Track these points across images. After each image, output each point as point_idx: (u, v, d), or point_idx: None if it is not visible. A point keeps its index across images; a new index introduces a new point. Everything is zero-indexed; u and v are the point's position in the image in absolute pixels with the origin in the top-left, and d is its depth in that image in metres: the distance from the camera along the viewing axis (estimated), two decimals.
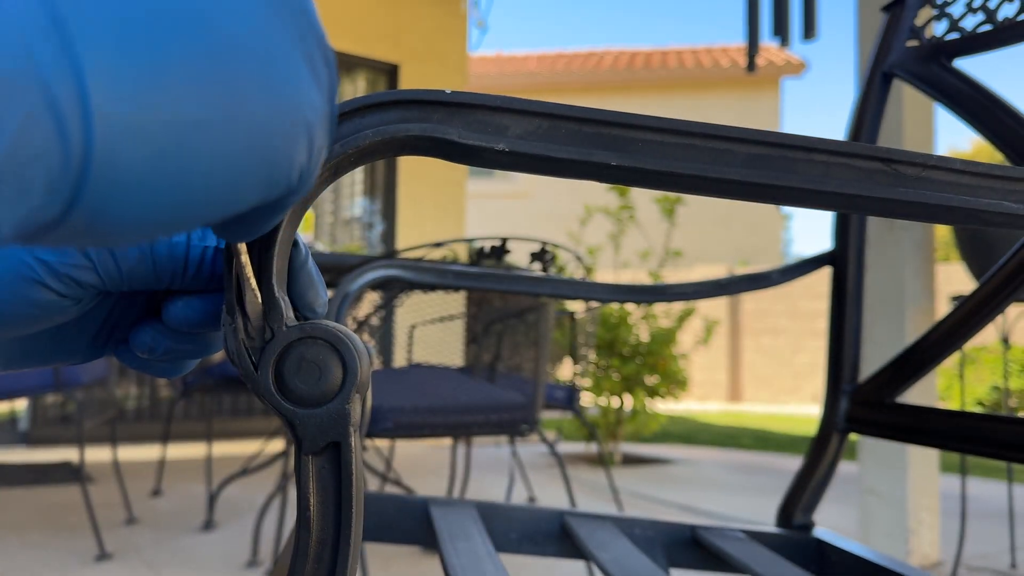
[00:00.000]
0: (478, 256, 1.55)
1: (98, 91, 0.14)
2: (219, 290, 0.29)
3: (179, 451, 3.42)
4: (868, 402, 0.72)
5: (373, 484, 2.56)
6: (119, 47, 0.14)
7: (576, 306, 2.45)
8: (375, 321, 1.81)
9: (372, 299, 1.79)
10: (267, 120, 0.17)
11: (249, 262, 0.27)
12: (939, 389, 5.71)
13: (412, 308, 1.83)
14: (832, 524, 2.35)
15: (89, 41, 0.14)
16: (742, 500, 2.88)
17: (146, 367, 0.30)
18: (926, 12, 0.75)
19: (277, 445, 3.57)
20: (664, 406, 3.86)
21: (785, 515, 0.74)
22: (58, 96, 0.14)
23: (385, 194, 4.17)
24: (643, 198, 3.60)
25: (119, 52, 0.14)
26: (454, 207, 4.27)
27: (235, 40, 0.16)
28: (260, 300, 0.28)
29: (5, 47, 0.13)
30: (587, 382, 3.53)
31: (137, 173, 0.15)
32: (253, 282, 0.27)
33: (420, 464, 3.37)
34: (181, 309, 0.28)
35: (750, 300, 8.66)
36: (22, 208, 0.14)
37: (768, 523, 0.76)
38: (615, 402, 3.61)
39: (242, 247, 0.27)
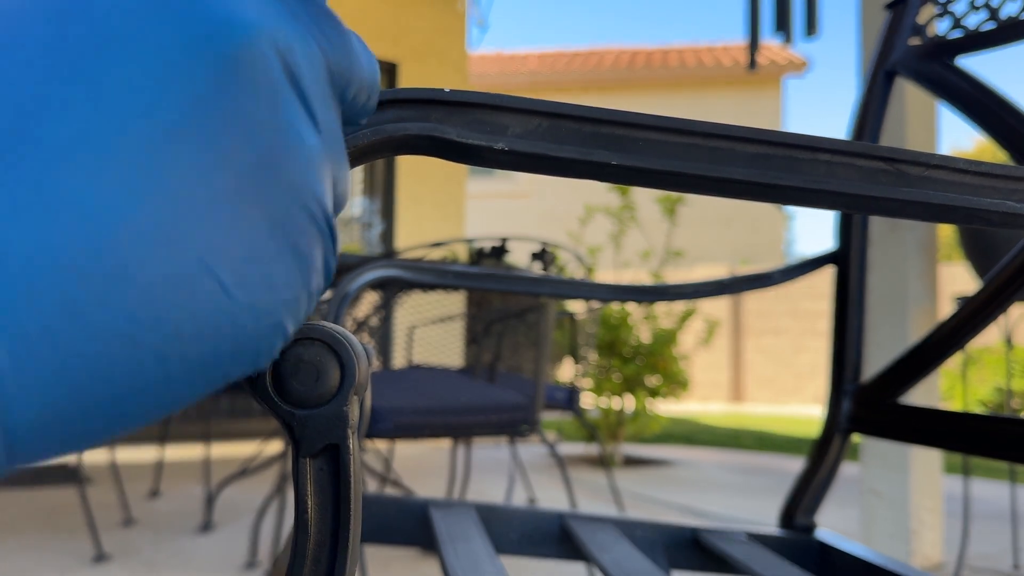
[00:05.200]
0: (478, 256, 1.54)
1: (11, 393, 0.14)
2: None
3: (177, 452, 3.41)
4: (871, 403, 0.72)
5: (372, 485, 2.56)
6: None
7: (577, 306, 2.45)
8: (374, 321, 1.81)
9: (371, 299, 1.78)
10: (222, 355, 0.16)
11: None
12: (942, 390, 5.69)
13: (412, 308, 1.82)
14: (834, 525, 2.34)
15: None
16: (744, 501, 2.88)
17: None
18: (929, 10, 0.75)
19: (275, 446, 3.57)
20: (665, 407, 3.85)
21: (787, 516, 0.74)
22: None
23: (384, 194, 4.17)
24: (644, 198, 3.60)
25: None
26: (454, 207, 4.27)
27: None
28: None
29: None
30: (588, 383, 3.53)
31: (58, 424, 0.15)
32: None
33: (420, 465, 3.37)
34: None
35: (752, 300, 8.65)
36: None
37: (770, 524, 0.75)
38: (616, 403, 3.60)
39: None
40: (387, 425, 1.31)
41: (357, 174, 4.26)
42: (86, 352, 0.14)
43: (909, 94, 2.02)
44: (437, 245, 1.53)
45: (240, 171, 0.16)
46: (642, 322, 3.65)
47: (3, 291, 0.13)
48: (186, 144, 0.15)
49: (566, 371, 3.39)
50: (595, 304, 2.25)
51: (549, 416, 4.20)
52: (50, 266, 0.14)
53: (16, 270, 0.13)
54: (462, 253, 3.21)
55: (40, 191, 0.14)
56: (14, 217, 0.13)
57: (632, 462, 3.80)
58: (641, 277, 6.24)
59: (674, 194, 3.60)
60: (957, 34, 0.70)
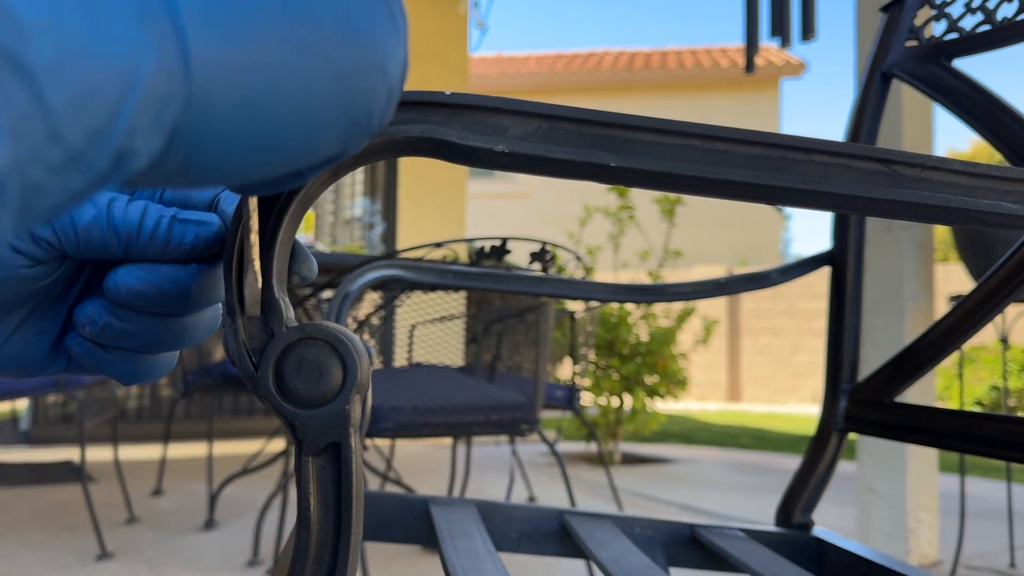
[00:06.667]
0: (478, 256, 1.55)
1: (194, 33, 0.15)
2: (169, 262, 0.27)
3: (180, 451, 3.42)
4: (867, 401, 0.72)
5: (373, 483, 2.56)
6: None
7: (576, 306, 2.45)
8: (375, 321, 1.81)
9: (372, 299, 1.79)
10: (348, 65, 0.18)
11: (258, 241, 0.27)
12: (938, 389, 5.71)
13: (412, 308, 1.83)
14: (831, 524, 2.35)
15: None
16: (741, 499, 2.88)
17: (105, 366, 0.28)
18: (925, 12, 0.75)
19: (278, 445, 3.57)
20: (663, 406, 3.86)
21: (784, 514, 0.74)
22: (178, 36, 0.14)
23: (386, 194, 4.17)
24: (643, 198, 3.61)
25: None
26: (454, 207, 4.27)
27: None
28: (260, 282, 0.27)
29: None
30: (587, 382, 3.54)
31: (227, 116, 0.16)
32: (257, 263, 0.27)
33: (420, 463, 3.37)
34: (122, 276, 0.27)
35: (749, 300, 8.66)
36: (156, 144, 0.15)
37: (767, 522, 0.76)
38: (615, 402, 3.61)
39: (254, 223, 0.26)
40: (388, 424, 1.32)
41: (358, 175, 4.27)
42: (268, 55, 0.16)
43: (905, 96, 2.02)
44: (438, 245, 1.53)
45: None
46: (640, 321, 3.66)
47: None
48: None
49: (565, 370, 3.40)
50: (594, 304, 2.26)
51: (548, 415, 4.21)
52: None
53: None
54: (462, 253, 3.22)
55: None
56: None
57: (631, 460, 3.80)
58: (640, 277, 6.24)
59: (672, 195, 3.60)
60: (953, 36, 0.71)
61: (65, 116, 0.13)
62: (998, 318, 1.85)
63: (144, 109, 0.14)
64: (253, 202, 0.26)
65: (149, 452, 3.36)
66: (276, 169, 0.18)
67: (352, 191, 4.30)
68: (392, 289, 1.63)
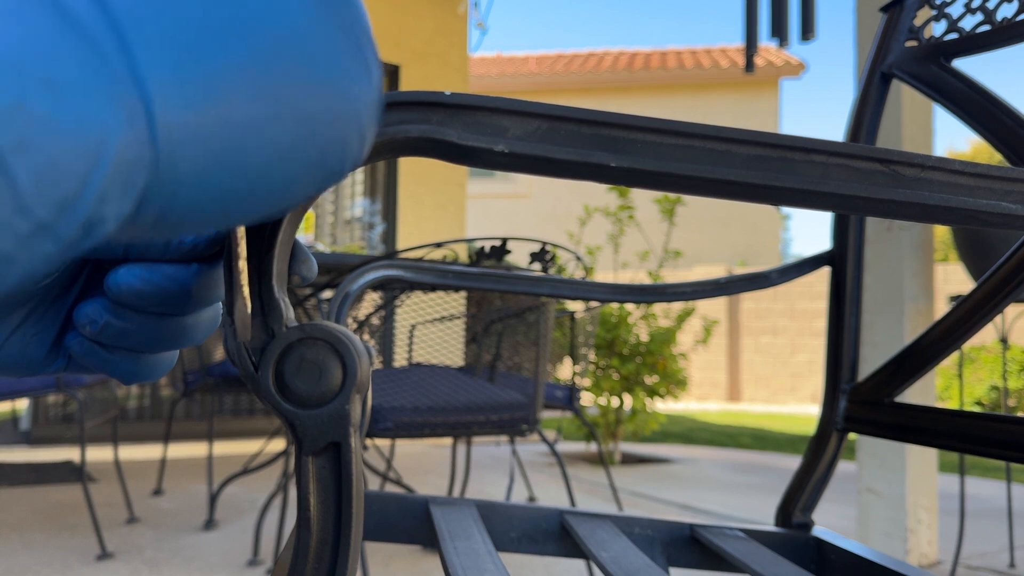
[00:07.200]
0: (478, 256, 1.55)
1: (160, 99, 0.15)
2: (170, 261, 0.27)
3: (180, 450, 3.42)
4: (867, 401, 0.72)
5: (373, 483, 2.56)
6: (173, 54, 0.15)
7: (576, 306, 2.46)
8: (375, 321, 1.81)
9: (372, 299, 1.79)
10: (319, 115, 0.18)
11: (246, 268, 0.27)
12: (938, 389, 5.72)
13: (412, 308, 1.83)
14: (831, 523, 2.35)
15: (146, 48, 0.15)
16: (741, 499, 2.88)
17: (105, 366, 0.28)
18: (925, 12, 0.75)
19: (278, 444, 3.57)
20: (663, 406, 3.86)
21: (784, 514, 0.74)
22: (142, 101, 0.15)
23: (386, 194, 4.17)
24: (643, 198, 3.61)
25: (174, 60, 0.15)
26: (454, 207, 4.27)
27: (284, 39, 0.17)
28: (249, 308, 0.27)
29: (93, 48, 0.14)
30: (587, 382, 3.54)
31: (197, 174, 0.16)
32: (246, 289, 0.27)
33: (420, 463, 3.37)
34: (123, 275, 0.27)
35: (749, 300, 8.66)
36: (126, 207, 0.15)
37: (767, 522, 0.76)
38: (615, 402, 3.61)
39: (242, 251, 0.26)
40: (388, 424, 1.32)
41: (358, 175, 4.27)
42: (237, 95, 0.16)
43: (905, 96, 2.02)
44: (438, 245, 1.53)
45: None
46: (640, 321, 3.66)
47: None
48: None
49: (565, 370, 3.40)
50: (594, 304, 2.26)
51: (548, 415, 4.20)
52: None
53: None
54: (463, 253, 3.21)
55: None
56: None
57: (630, 460, 3.80)
58: (639, 277, 6.24)
59: (672, 195, 3.61)
60: (953, 36, 0.71)
61: (32, 191, 0.13)
62: (998, 318, 1.85)
63: (113, 178, 0.14)
64: (241, 230, 0.26)
65: (149, 452, 3.36)
66: (250, 215, 0.19)
67: (352, 191, 4.30)
68: (392, 289, 1.63)
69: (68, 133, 0.14)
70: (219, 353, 2.32)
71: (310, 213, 3.95)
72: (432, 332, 1.91)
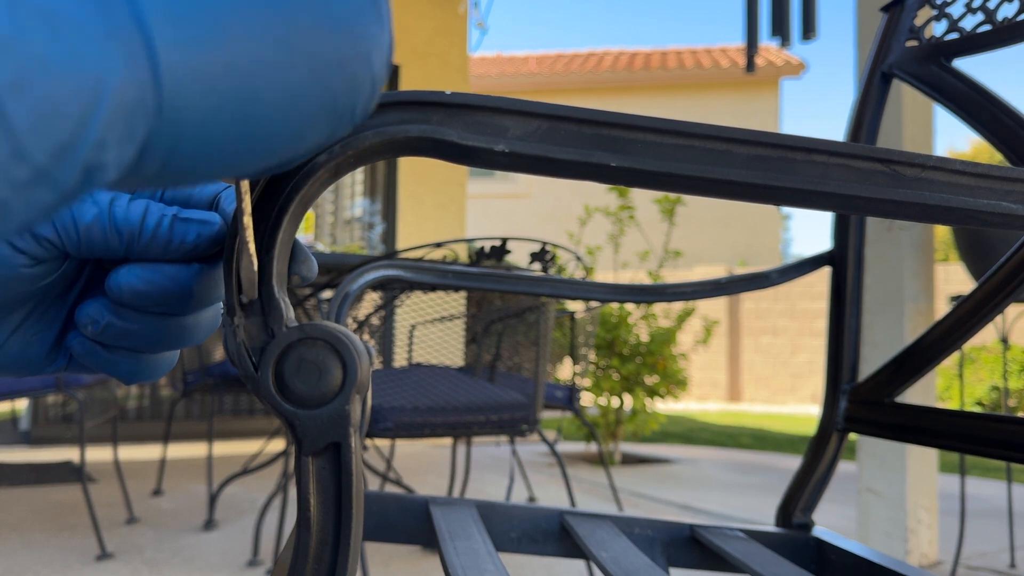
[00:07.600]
0: (478, 256, 1.55)
1: (162, 39, 0.14)
2: (170, 262, 0.27)
3: (180, 451, 3.42)
4: (867, 402, 0.72)
5: (373, 483, 2.56)
6: None
7: (576, 306, 2.46)
8: (375, 321, 1.81)
9: (372, 299, 1.79)
10: (330, 58, 0.17)
11: (251, 224, 0.26)
12: (938, 389, 5.71)
13: (412, 308, 1.83)
14: (831, 524, 2.35)
15: None
16: (741, 499, 2.88)
17: (106, 365, 0.28)
18: (925, 12, 0.75)
19: (278, 445, 3.57)
20: (663, 406, 3.86)
21: (784, 514, 0.74)
22: (146, 43, 0.14)
23: (386, 194, 4.17)
24: (643, 198, 3.61)
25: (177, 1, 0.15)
26: (455, 207, 4.27)
27: None
28: (256, 265, 0.27)
29: None
30: (587, 382, 3.54)
31: (203, 120, 0.15)
32: (252, 245, 0.26)
33: (420, 463, 3.37)
34: (124, 275, 0.26)
35: (749, 300, 8.66)
36: (127, 154, 0.15)
37: (767, 522, 0.76)
38: (615, 402, 3.61)
39: (247, 205, 0.26)
40: (388, 424, 1.32)
41: (358, 175, 4.27)
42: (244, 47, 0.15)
43: (906, 96, 2.02)
44: (438, 245, 1.53)
45: None
46: (640, 322, 3.66)
47: None
48: None
49: (565, 370, 3.40)
50: (594, 304, 2.26)
51: (548, 415, 4.20)
52: None
53: None
54: (463, 253, 3.21)
55: None
56: None
57: (631, 460, 3.80)
58: (640, 277, 6.24)
59: (672, 195, 3.61)
60: (953, 36, 0.71)
61: (29, 133, 0.13)
62: (998, 318, 1.86)
63: (113, 121, 0.14)
64: (245, 184, 0.26)
65: (149, 452, 3.36)
66: (258, 165, 0.18)
67: (352, 191, 4.30)
68: (392, 289, 1.63)
69: (65, 71, 0.13)
70: (219, 353, 2.32)
71: (310, 213, 3.95)
72: (432, 332, 1.91)
